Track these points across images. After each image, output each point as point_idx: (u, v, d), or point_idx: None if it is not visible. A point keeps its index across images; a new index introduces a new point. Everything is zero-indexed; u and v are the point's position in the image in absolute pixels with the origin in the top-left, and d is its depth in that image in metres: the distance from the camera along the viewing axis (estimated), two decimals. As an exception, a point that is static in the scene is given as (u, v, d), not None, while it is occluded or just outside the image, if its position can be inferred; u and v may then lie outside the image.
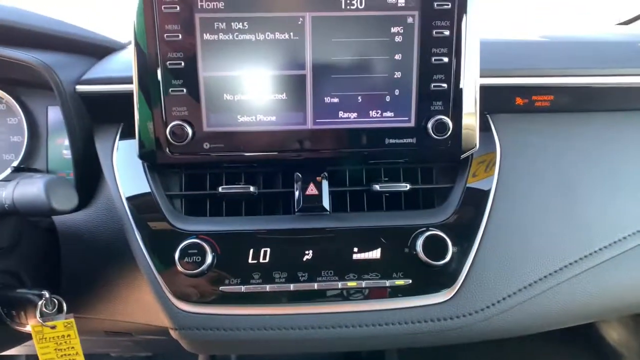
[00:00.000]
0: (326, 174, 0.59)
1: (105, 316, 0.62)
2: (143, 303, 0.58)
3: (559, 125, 0.66)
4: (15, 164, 0.76)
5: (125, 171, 0.60)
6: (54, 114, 0.75)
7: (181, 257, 0.53)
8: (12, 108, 0.77)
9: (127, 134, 0.63)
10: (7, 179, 0.74)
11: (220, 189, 0.58)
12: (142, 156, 0.57)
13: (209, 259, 0.53)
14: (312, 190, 0.57)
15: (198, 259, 0.52)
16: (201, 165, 0.59)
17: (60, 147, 0.75)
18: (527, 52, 0.68)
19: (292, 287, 0.54)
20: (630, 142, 0.66)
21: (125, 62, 0.66)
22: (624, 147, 0.65)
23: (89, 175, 0.65)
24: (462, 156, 0.59)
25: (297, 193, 0.58)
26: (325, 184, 0.58)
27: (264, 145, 0.57)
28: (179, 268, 0.52)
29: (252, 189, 0.58)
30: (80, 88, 0.63)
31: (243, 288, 0.53)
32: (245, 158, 0.57)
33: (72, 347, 0.59)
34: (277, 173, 0.61)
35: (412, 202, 0.62)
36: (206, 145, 0.57)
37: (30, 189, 0.49)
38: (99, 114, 0.65)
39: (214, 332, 0.52)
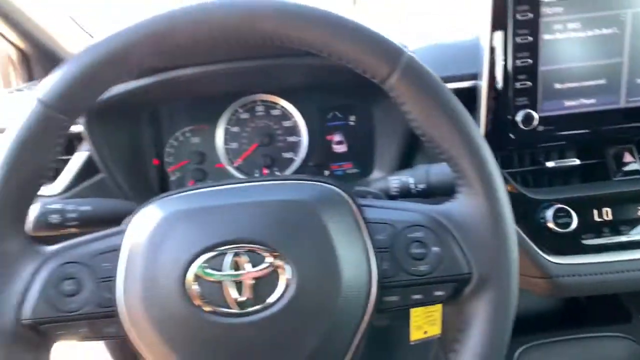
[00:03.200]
0: None
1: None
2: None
3: None
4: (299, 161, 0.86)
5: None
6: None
7: (552, 219, 0.65)
8: (285, 113, 0.86)
9: None
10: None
11: (550, 164, 0.70)
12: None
13: (575, 219, 0.65)
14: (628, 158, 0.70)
15: (568, 219, 0.65)
16: (533, 144, 0.70)
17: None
18: None
19: None
20: None
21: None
22: None
23: None
24: None
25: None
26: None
27: (583, 125, 0.69)
28: (550, 225, 0.65)
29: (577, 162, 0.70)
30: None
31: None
32: (568, 136, 0.69)
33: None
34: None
35: None
36: (540, 128, 0.68)
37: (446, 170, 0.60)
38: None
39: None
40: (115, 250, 0.44)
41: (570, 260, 0.66)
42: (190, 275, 0.41)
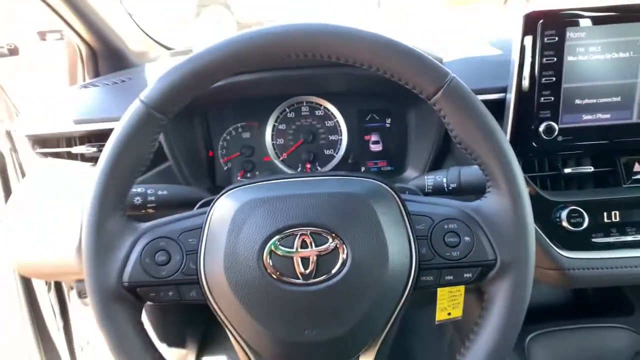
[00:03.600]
0: None
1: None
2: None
3: None
4: (338, 158, 0.96)
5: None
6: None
7: (566, 219, 0.74)
8: (327, 113, 0.96)
9: None
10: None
11: (567, 170, 0.79)
12: None
13: (587, 220, 0.74)
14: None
15: (580, 220, 0.74)
16: (552, 152, 0.79)
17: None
18: None
19: None
20: None
21: None
22: None
23: None
24: None
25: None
26: None
27: (598, 137, 0.77)
28: (564, 224, 0.74)
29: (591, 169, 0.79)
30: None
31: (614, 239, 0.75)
32: (585, 146, 0.78)
33: (457, 291, 0.80)
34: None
35: None
36: (559, 138, 0.77)
37: (474, 172, 0.69)
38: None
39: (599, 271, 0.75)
40: (199, 228, 0.54)
41: (580, 255, 0.75)
42: (266, 251, 0.51)
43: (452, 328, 1.21)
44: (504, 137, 0.52)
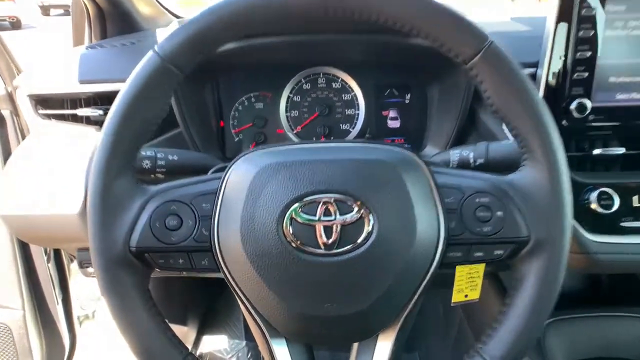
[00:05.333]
0: None
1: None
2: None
3: None
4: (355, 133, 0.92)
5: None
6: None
7: (596, 201, 0.71)
8: (345, 86, 0.92)
9: None
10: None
11: (596, 151, 0.75)
12: None
13: (616, 202, 0.71)
14: None
15: (609, 202, 0.71)
16: (583, 132, 0.76)
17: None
18: None
19: None
20: None
21: None
22: None
23: None
24: None
25: None
26: None
27: (631, 117, 0.74)
28: (593, 207, 0.71)
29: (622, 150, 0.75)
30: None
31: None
32: (616, 126, 0.74)
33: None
34: None
35: None
36: (590, 117, 0.74)
37: (503, 148, 0.66)
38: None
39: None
40: (214, 193, 0.51)
41: (608, 240, 0.72)
42: (286, 218, 0.47)
43: (463, 316, 1.18)
44: (545, 106, 0.49)
